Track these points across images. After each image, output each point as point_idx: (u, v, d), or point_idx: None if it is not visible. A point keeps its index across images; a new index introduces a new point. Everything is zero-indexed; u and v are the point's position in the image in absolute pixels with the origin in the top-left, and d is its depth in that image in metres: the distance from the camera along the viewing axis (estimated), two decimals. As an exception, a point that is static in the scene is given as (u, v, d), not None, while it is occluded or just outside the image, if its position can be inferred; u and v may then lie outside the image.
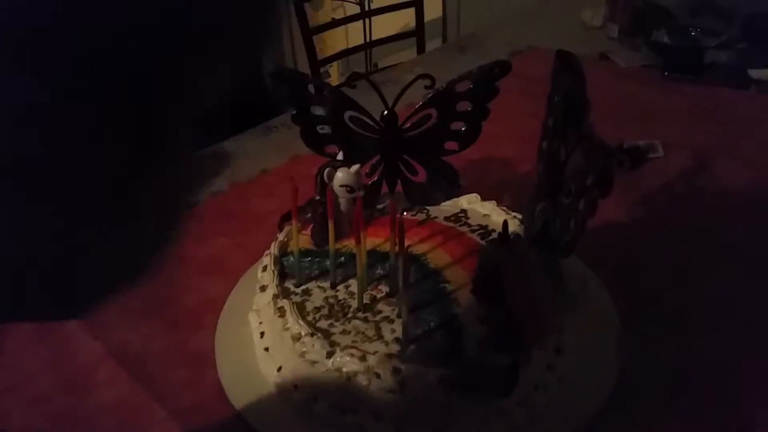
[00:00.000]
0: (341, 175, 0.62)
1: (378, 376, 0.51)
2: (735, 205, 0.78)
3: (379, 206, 0.70)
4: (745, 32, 1.16)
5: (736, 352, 0.58)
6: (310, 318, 0.56)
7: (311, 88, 0.66)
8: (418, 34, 1.69)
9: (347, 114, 0.66)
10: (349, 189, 0.63)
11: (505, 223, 0.50)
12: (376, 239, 0.63)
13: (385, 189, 0.70)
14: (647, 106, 1.02)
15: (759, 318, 0.62)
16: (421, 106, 0.66)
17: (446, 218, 0.68)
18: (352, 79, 0.71)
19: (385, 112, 0.66)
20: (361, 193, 0.63)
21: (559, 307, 0.50)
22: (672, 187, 0.82)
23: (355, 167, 0.62)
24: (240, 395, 0.56)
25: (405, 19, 1.81)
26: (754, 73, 1.06)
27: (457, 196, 0.70)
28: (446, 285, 0.59)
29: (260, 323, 0.61)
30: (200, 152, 0.94)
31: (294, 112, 0.67)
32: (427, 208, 0.70)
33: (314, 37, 1.58)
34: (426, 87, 0.67)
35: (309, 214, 0.66)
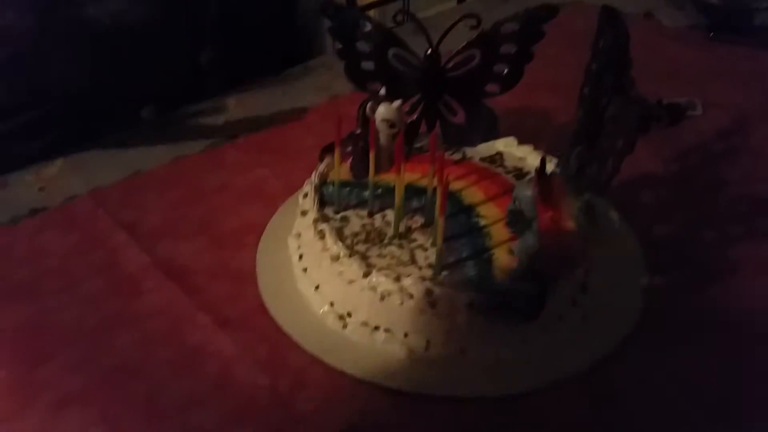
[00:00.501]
0: (383, 110, 0.64)
1: (411, 296, 0.54)
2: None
3: (417, 145, 0.71)
4: (798, -4, 1.12)
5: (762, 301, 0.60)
6: (348, 242, 0.59)
7: (358, 23, 0.68)
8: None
9: (391, 51, 0.68)
10: (390, 124, 0.64)
11: (543, 159, 0.52)
12: (412, 175, 0.65)
13: (423, 129, 0.72)
14: (689, 65, 1.01)
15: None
16: (465, 45, 0.67)
17: (482, 159, 0.70)
18: (397, 16, 0.72)
19: (429, 50, 0.68)
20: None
21: (588, 244, 0.52)
22: (708, 145, 0.82)
23: (396, 103, 0.64)
24: (280, 310, 0.60)
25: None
26: (804, 38, 1.04)
27: (495, 139, 0.72)
28: (479, 219, 0.61)
29: (299, 246, 0.64)
30: (241, 89, 0.97)
31: (339, 46, 0.68)
32: (464, 149, 0.72)
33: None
34: (471, 27, 0.68)
35: (349, 148, 0.68)
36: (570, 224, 0.49)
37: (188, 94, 0.95)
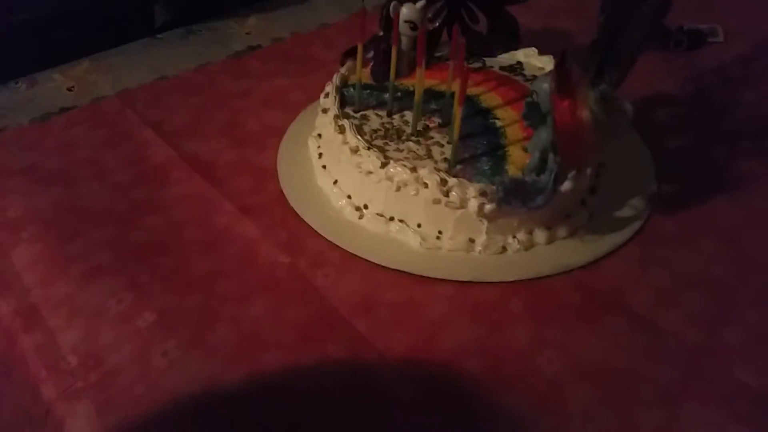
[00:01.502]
0: (406, 10, 0.65)
1: (425, 185, 0.56)
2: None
3: (438, 54, 0.72)
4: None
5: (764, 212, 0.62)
6: (367, 137, 0.61)
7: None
8: None
9: (417, -46, 0.68)
10: (412, 26, 0.65)
11: (564, 51, 0.53)
12: (432, 81, 0.67)
13: (445, 38, 0.73)
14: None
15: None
16: (490, -48, 0.68)
17: (502, 68, 0.71)
18: None
19: (454, -45, 0.68)
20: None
21: (602, 136, 0.53)
22: (726, 70, 0.83)
23: (420, 3, 0.65)
24: (299, 202, 0.63)
25: None
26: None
27: (515, 50, 0.73)
28: (496, 121, 0.63)
29: (319, 146, 0.67)
30: (266, 3, 0.97)
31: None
32: (484, 59, 0.72)
33: None
34: (497, -66, 0.68)
35: (371, 52, 0.69)
36: (585, 113, 0.50)
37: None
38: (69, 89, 0.80)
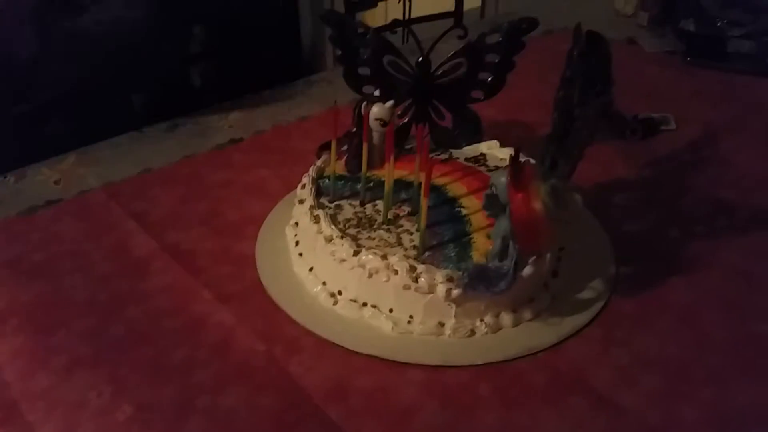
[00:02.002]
0: (376, 110, 0.70)
1: (396, 272, 0.59)
2: (738, 173, 0.84)
3: (407, 146, 0.77)
4: (770, 26, 1.20)
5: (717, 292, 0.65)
6: (340, 226, 0.65)
7: (357, 31, 0.74)
8: (456, 15, 1.75)
9: (386, 58, 0.74)
10: (382, 123, 0.71)
11: (517, 149, 0.58)
12: (402, 171, 0.71)
13: (413, 131, 0.78)
14: (666, 86, 1.08)
15: (744, 270, 0.68)
16: (453, 54, 0.74)
17: (466, 159, 0.76)
18: (392, 26, 0.78)
19: (420, 58, 0.74)
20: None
21: (555, 224, 0.57)
22: (679, 156, 0.88)
23: (389, 103, 0.70)
24: (276, 288, 0.65)
25: (445, 3, 1.88)
26: (774, 63, 1.11)
27: (479, 142, 0.78)
28: (461, 210, 0.67)
29: (296, 234, 0.70)
30: (247, 98, 1.03)
31: (339, 52, 0.75)
32: (450, 150, 0.78)
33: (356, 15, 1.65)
34: (459, 37, 0.75)
35: (345, 146, 0.74)
36: (538, 205, 0.54)
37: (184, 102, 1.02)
38: (56, 182, 0.83)
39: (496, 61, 0.74)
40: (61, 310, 0.63)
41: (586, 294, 0.64)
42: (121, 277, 0.67)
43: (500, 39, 0.72)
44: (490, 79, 0.75)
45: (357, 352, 0.58)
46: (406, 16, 2.00)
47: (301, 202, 0.69)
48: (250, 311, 0.63)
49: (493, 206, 0.58)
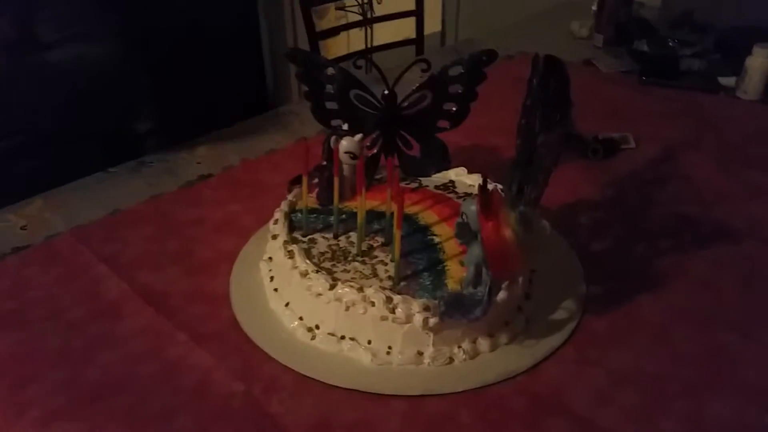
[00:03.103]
0: (345, 143, 0.71)
1: (372, 304, 0.59)
2: (697, 187, 0.87)
3: (377, 177, 0.78)
4: (718, 44, 1.26)
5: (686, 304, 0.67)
6: (315, 260, 0.65)
7: (322, 67, 0.75)
8: (417, 42, 1.79)
9: (353, 92, 0.75)
10: (352, 156, 0.71)
11: (485, 177, 0.59)
12: (374, 202, 0.72)
13: (383, 162, 0.79)
14: (624, 105, 1.12)
15: (711, 281, 0.71)
16: (418, 87, 0.75)
17: (436, 187, 0.77)
18: (356, 56, 0.80)
19: (386, 91, 0.75)
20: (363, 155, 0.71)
21: (525, 250, 0.58)
22: (640, 173, 0.91)
23: (358, 136, 0.71)
24: (252, 326, 0.65)
25: (406, 31, 1.92)
26: (724, 81, 1.16)
27: (447, 170, 0.79)
28: (434, 237, 0.68)
29: (270, 269, 0.70)
30: (215, 133, 1.04)
31: (305, 89, 0.76)
32: (420, 179, 0.79)
33: (319, 43, 1.67)
34: (422, 71, 0.76)
35: (316, 179, 0.75)
36: (508, 232, 0.56)
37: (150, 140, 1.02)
38: (22, 228, 0.82)
39: (460, 91, 0.75)
40: (34, 360, 0.62)
41: (559, 315, 0.65)
42: (93, 322, 0.66)
43: (462, 71, 0.74)
44: (454, 109, 0.76)
45: (337, 387, 0.58)
46: (369, 44, 2.04)
47: (275, 237, 0.70)
48: (227, 351, 0.62)
49: (465, 234, 0.59)
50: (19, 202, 0.86)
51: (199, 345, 0.63)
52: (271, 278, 0.69)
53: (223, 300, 0.69)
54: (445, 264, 0.64)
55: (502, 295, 0.59)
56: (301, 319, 0.64)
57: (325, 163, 0.73)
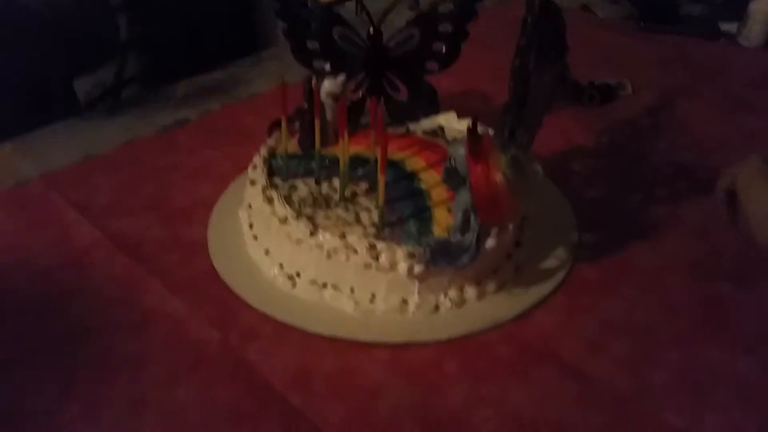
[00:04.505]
0: (327, 84, 0.67)
1: (355, 251, 0.57)
2: (696, 136, 0.84)
3: (362, 122, 0.75)
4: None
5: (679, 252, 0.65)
6: (295, 206, 0.62)
7: (303, 3, 0.71)
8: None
9: (336, 30, 0.71)
10: (334, 97, 0.67)
11: (474, 118, 0.56)
12: (358, 147, 0.69)
13: (368, 106, 0.75)
14: (621, 52, 1.07)
15: (706, 231, 0.68)
16: (405, 25, 0.71)
17: (424, 132, 0.74)
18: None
19: (372, 29, 0.71)
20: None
21: (517, 195, 0.56)
22: (636, 121, 0.88)
23: (340, 77, 0.67)
24: (230, 274, 0.62)
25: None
26: (724, 26, 1.12)
27: (436, 115, 0.75)
28: (420, 184, 0.65)
29: (249, 216, 0.67)
30: (195, 77, 0.99)
31: (285, 26, 0.71)
32: (407, 124, 0.75)
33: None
34: (410, 8, 0.72)
35: (297, 124, 0.71)
36: (498, 176, 0.53)
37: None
38: (-10, 174, 0.78)
39: (450, 30, 0.71)
40: (1, 306, 0.59)
41: (549, 263, 0.63)
42: (63, 269, 0.63)
43: (453, 8, 0.70)
44: (444, 49, 0.72)
45: (318, 335, 0.56)
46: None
47: (253, 183, 0.66)
48: (203, 299, 0.60)
49: (453, 179, 0.56)
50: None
51: (174, 293, 0.60)
52: (251, 225, 0.66)
53: (200, 248, 0.66)
54: (431, 211, 0.61)
55: (490, 243, 0.56)
56: (281, 266, 0.61)
57: (305, 106, 0.69)
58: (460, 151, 0.55)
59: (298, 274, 0.60)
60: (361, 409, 0.50)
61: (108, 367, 0.53)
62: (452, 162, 0.56)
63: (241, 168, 0.75)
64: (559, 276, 0.61)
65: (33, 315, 0.58)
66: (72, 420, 0.49)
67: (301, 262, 0.60)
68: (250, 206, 0.67)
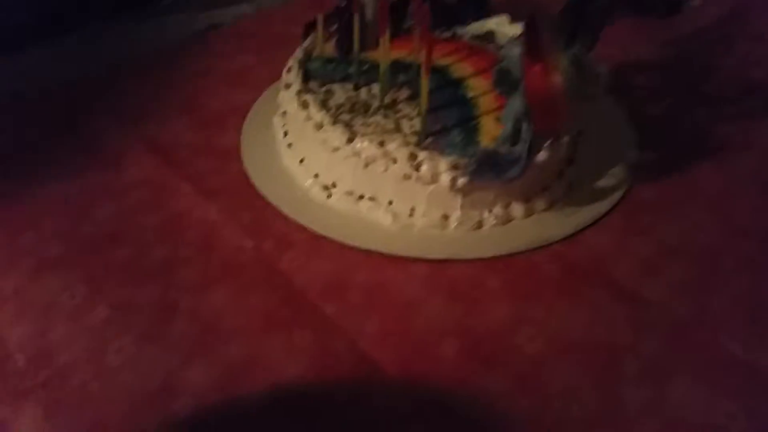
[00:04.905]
0: (369, -20, 0.61)
1: (394, 161, 0.53)
2: (766, 51, 0.76)
3: (405, 26, 0.69)
4: None
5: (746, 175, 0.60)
6: (332, 112, 0.58)
7: None
8: None
9: None
10: (375, -5, 0.62)
11: (532, 15, 0.50)
12: (401, 52, 0.64)
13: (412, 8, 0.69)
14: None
15: (765, 144, 0.63)
16: None
17: (472, 37, 0.68)
18: None
19: None
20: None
21: (576, 101, 0.51)
22: (705, 33, 0.80)
23: (384, -29, 0.61)
24: (264, 182, 0.59)
25: None
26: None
27: (486, 18, 0.69)
28: (467, 92, 0.60)
29: (284, 124, 0.63)
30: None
31: None
32: (455, 28, 0.69)
33: None
34: None
35: (334, 25, 0.66)
36: (558, 77, 0.48)
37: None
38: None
39: None
40: (29, 209, 0.58)
41: (605, 181, 0.58)
42: (92, 171, 0.61)
43: None
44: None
45: (354, 247, 0.53)
46: None
47: (288, 86, 0.62)
48: (236, 206, 0.57)
49: (505, 82, 0.51)
50: (12, 54, 0.79)
51: (206, 199, 0.58)
52: (285, 133, 0.63)
53: (234, 155, 0.63)
54: (478, 120, 0.57)
55: (542, 156, 0.52)
56: (316, 176, 0.58)
57: (344, 5, 0.64)
58: (515, 51, 0.50)
59: (334, 185, 0.57)
60: (397, 323, 0.47)
61: (139, 271, 0.52)
62: (505, 63, 0.51)
63: (276, 75, 0.70)
64: (615, 196, 0.57)
65: (63, 219, 0.57)
66: (102, 322, 0.48)
67: (337, 171, 0.57)
68: (284, 113, 0.63)
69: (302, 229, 0.55)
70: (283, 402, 0.43)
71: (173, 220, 0.56)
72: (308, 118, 0.57)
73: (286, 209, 0.56)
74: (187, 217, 0.56)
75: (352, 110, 0.59)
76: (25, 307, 0.49)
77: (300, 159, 0.60)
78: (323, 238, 0.54)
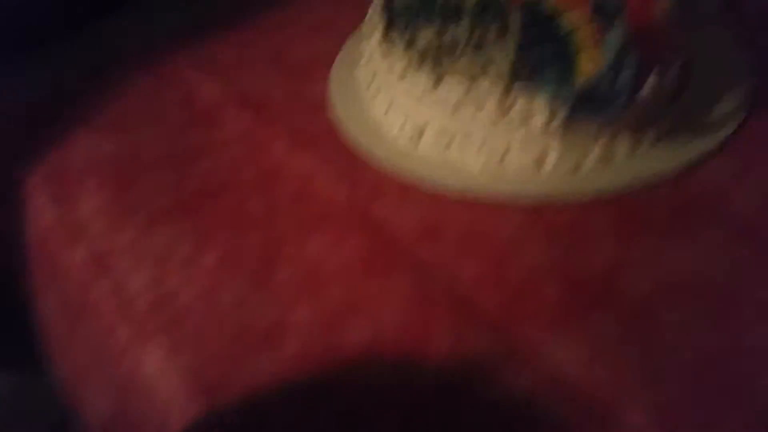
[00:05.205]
0: None
1: (485, 103, 0.51)
2: None
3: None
4: None
5: None
6: (416, 56, 0.57)
7: None
8: None
9: None
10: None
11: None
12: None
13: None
14: None
15: None
16: None
17: (565, -33, 0.64)
18: None
19: None
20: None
21: (682, 31, 0.47)
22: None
23: None
24: (353, 131, 0.59)
25: None
26: None
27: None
28: (562, 25, 0.56)
29: (369, 71, 0.63)
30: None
31: None
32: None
33: None
34: None
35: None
36: (663, 4, 0.44)
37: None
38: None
39: None
40: (134, 166, 0.61)
41: (716, 114, 0.54)
42: (190, 129, 0.64)
43: None
44: None
45: (446, 193, 0.53)
46: None
47: (370, 34, 0.61)
48: (328, 157, 0.58)
49: (605, 10, 0.48)
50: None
51: (300, 150, 0.59)
52: (371, 81, 0.62)
53: (323, 105, 0.63)
54: (575, 55, 0.53)
55: (648, 88, 0.49)
56: (404, 122, 0.57)
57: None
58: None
59: (423, 131, 0.56)
60: (495, 267, 0.47)
61: (240, 222, 0.54)
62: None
63: (359, 22, 0.70)
64: (728, 129, 0.53)
65: (166, 174, 0.59)
66: (213, 268, 0.50)
67: (425, 117, 0.56)
68: (368, 61, 0.63)
69: (393, 176, 0.55)
70: (383, 347, 0.44)
71: (269, 172, 0.57)
72: (392, 65, 0.56)
73: (376, 157, 0.56)
74: (282, 170, 0.57)
75: (437, 53, 0.57)
76: (142, 257, 0.52)
77: (387, 106, 0.59)
78: (414, 184, 0.54)
